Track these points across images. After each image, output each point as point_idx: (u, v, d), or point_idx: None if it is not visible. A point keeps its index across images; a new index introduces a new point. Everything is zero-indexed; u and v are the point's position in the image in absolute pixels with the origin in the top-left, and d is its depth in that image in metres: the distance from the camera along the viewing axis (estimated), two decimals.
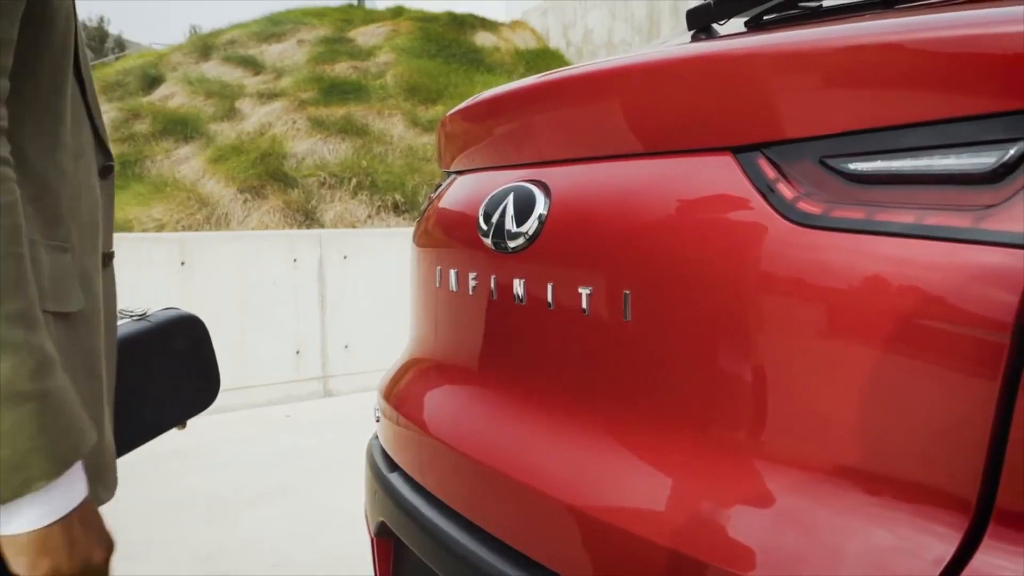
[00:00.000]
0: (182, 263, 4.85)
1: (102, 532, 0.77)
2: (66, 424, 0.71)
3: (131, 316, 1.02)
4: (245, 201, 6.71)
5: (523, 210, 1.05)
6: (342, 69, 9.44)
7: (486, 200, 1.14)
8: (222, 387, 1.17)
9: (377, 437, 1.49)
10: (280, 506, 3.27)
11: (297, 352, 5.23)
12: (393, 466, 1.30)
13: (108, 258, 0.97)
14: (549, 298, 0.99)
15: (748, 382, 0.77)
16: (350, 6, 12.58)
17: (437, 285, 1.27)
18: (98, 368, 0.88)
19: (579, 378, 0.96)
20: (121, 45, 26.89)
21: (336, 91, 8.76)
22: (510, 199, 1.08)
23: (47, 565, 0.71)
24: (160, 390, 0.96)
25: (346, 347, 5.39)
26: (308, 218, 6.70)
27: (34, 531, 0.70)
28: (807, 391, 0.73)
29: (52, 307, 0.80)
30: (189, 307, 1.09)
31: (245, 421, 4.58)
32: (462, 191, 1.27)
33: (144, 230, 6.13)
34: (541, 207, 1.03)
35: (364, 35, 10.67)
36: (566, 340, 0.97)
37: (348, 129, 7.91)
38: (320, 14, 11.54)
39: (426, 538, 1.10)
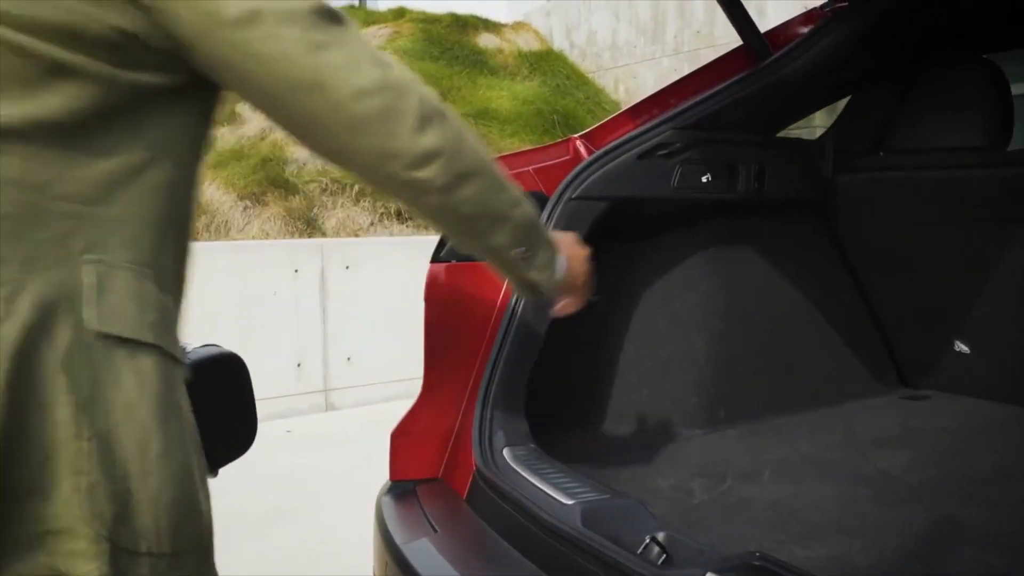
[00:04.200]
0: None
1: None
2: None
3: None
4: (245, 208, 6.58)
5: None
6: None
7: None
8: None
9: (388, 493, 1.36)
10: (284, 529, 3.15)
11: (298, 365, 5.11)
12: (408, 536, 1.17)
13: None
14: None
15: None
16: (351, 7, 12.44)
17: None
18: None
19: None
20: None
21: None
22: None
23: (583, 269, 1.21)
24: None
25: (349, 359, 5.27)
26: (310, 226, 6.58)
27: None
28: None
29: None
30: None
31: None
32: None
33: None
34: None
35: (366, 36, 10.55)
36: None
37: None
38: None
39: None
